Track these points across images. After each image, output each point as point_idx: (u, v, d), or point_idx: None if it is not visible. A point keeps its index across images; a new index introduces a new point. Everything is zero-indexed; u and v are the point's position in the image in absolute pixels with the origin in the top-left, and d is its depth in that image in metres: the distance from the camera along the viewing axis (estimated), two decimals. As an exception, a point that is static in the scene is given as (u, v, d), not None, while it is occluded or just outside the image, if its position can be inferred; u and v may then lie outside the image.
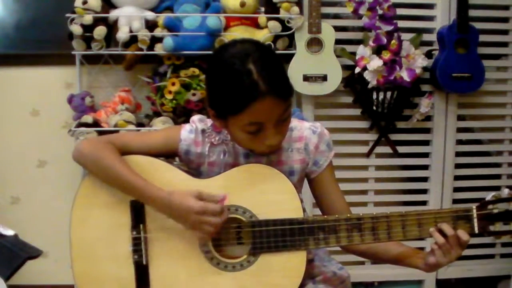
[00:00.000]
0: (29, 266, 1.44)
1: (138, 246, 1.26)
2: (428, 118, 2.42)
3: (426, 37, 2.38)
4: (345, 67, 2.31)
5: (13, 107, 2.42)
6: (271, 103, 1.15)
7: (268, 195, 1.25)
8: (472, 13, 2.30)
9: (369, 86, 2.26)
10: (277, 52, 2.19)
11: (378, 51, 2.21)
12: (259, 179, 1.26)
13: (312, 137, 1.35)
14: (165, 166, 1.30)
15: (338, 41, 2.28)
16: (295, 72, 2.23)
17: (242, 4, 2.19)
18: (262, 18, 2.23)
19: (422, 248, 2.38)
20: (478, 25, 2.31)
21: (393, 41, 2.19)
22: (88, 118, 2.15)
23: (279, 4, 2.21)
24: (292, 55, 2.25)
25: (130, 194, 1.26)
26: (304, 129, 1.36)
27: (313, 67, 2.25)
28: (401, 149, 2.45)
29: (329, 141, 1.37)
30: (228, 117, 1.19)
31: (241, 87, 1.14)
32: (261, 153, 1.28)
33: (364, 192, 2.48)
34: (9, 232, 1.47)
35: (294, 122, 1.37)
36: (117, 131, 2.04)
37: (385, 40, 2.19)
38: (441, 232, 1.20)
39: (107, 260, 1.27)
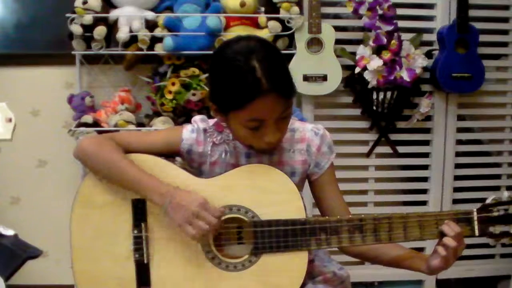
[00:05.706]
0: (29, 266, 1.44)
1: (139, 245, 1.26)
2: (428, 118, 2.42)
3: (426, 37, 2.38)
4: (345, 67, 2.31)
5: (13, 107, 2.41)
6: (272, 100, 1.15)
7: (270, 196, 1.25)
8: (472, 13, 2.30)
9: (369, 86, 2.26)
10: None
11: (378, 51, 2.22)
12: (261, 179, 1.26)
13: (314, 139, 1.35)
14: (167, 165, 1.30)
15: (338, 41, 2.28)
16: (295, 72, 2.16)
17: (242, 4, 2.19)
18: (262, 18, 2.23)
19: (421, 249, 2.38)
20: (478, 25, 2.31)
21: (393, 41, 2.19)
22: (88, 118, 2.15)
23: (279, 4, 2.21)
24: (292, 55, 2.25)
25: (132, 188, 1.24)
26: (306, 130, 1.36)
27: (313, 67, 2.25)
28: (401, 149, 2.45)
29: (331, 143, 1.37)
30: (230, 112, 1.20)
31: (244, 84, 1.14)
32: (260, 149, 1.28)
33: (364, 192, 2.48)
34: (9, 232, 1.47)
35: (296, 124, 1.38)
36: (117, 131, 2.04)
37: (385, 40, 2.19)
38: (447, 230, 1.19)
39: (108, 259, 1.27)
